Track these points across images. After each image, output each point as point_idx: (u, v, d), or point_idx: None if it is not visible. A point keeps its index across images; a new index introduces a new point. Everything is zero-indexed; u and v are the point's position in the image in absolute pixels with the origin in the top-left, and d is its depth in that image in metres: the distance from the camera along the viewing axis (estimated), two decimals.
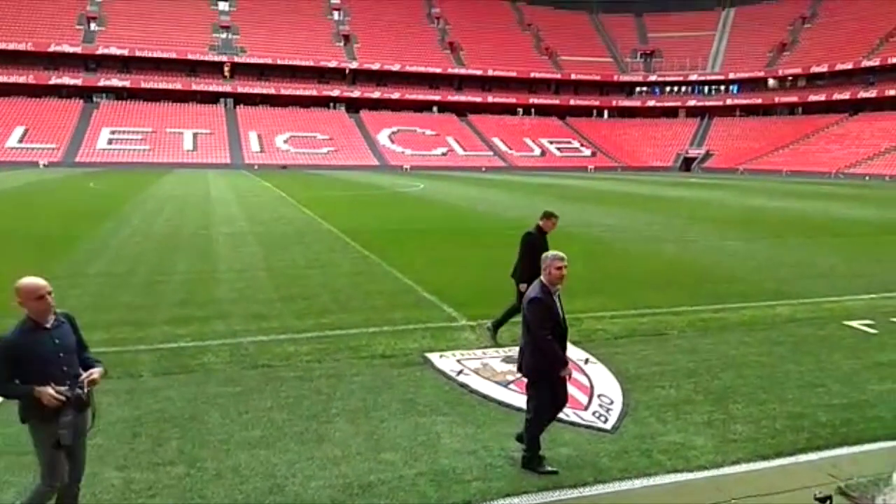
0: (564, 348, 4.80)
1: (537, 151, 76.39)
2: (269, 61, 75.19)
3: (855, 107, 71.65)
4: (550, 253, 4.85)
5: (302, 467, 4.67)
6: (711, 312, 9.15)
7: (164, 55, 71.66)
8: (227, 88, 74.48)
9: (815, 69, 74.51)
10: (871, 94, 69.59)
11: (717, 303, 9.70)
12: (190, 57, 72.82)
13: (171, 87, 72.27)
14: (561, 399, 4.84)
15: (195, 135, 66.98)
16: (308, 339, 7.65)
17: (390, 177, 50.93)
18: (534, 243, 7.38)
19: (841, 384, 6.45)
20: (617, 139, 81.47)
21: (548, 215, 7.76)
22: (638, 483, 4.58)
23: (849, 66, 71.11)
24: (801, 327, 8.51)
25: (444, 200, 28.62)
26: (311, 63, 76.50)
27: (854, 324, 8.59)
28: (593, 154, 77.89)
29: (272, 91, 75.58)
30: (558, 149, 77.80)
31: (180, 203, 25.56)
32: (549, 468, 4.69)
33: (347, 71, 78.57)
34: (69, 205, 24.92)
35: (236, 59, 74.71)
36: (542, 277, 4.78)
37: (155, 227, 18.11)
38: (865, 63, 69.68)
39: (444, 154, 72.11)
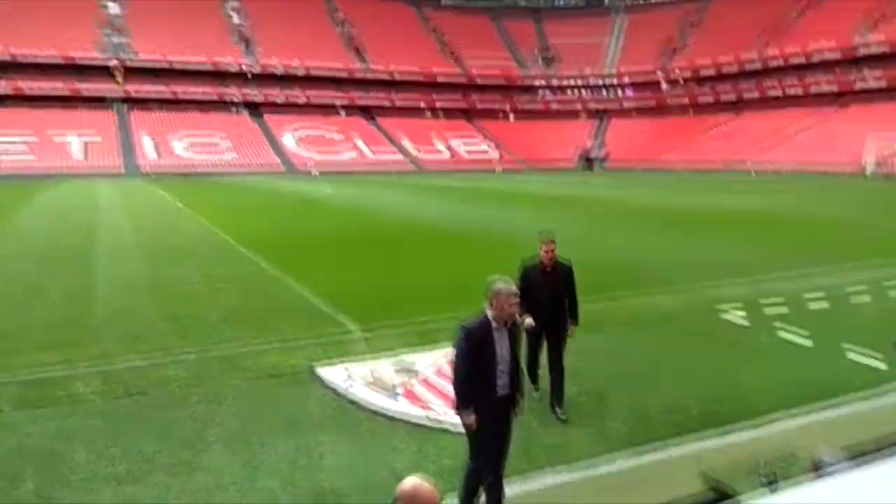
0: (515, 386, 4.18)
1: (446, 153, 76.91)
2: (165, 64, 71.82)
3: (740, 105, 76.50)
4: (504, 286, 4.03)
5: (171, 502, 4.44)
6: (596, 305, 9.38)
7: (48, 59, 67.10)
8: (119, 92, 70.60)
9: (704, 72, 79.01)
10: (755, 94, 74.64)
11: (604, 299, 9.97)
12: (77, 59, 68.50)
13: (55, 91, 67.74)
14: (492, 452, 4.10)
15: (84, 142, 63.12)
16: (189, 361, 7.30)
17: (297, 182, 49.86)
18: (526, 279, 5.96)
19: (713, 374, 6.80)
20: (522, 140, 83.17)
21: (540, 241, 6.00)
22: (516, 487, 4.63)
23: (734, 68, 75.89)
24: (679, 318, 8.92)
25: (350, 206, 28.26)
26: (209, 67, 73.76)
27: (728, 316, 9.07)
28: (500, 155, 79.24)
29: (168, 94, 72.21)
30: (466, 150, 78.63)
31: (64, 215, 23.97)
32: None
33: (249, 74, 76.26)
34: None
35: (128, 62, 70.94)
36: (487, 308, 4.08)
37: (33, 243, 16.88)
38: (748, 66, 74.59)
39: (352, 158, 71.33)
